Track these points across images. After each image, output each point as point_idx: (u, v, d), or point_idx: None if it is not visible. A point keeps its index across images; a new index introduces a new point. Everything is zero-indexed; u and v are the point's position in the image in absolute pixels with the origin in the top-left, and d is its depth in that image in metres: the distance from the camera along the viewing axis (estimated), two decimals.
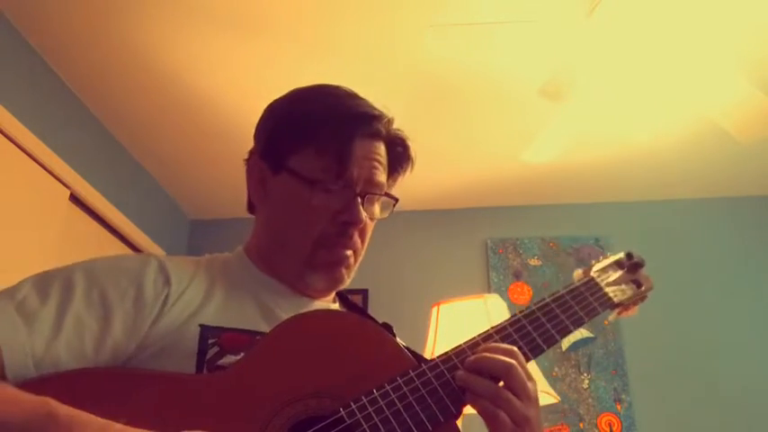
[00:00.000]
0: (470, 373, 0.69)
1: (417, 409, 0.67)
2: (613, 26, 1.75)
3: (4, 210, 2.03)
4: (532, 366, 1.82)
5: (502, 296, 2.57)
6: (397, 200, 0.88)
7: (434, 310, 2.08)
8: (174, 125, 2.67)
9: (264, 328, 0.74)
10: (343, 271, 0.83)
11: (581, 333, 2.94)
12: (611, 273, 0.96)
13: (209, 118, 2.60)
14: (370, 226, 0.86)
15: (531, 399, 0.68)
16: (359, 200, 0.80)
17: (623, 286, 0.95)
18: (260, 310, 0.79)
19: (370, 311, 0.90)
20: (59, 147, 2.28)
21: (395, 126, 0.88)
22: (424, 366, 0.71)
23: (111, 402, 0.58)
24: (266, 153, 0.87)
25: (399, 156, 0.89)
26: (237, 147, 3.16)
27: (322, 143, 0.80)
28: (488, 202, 3.26)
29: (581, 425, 2.78)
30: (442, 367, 0.71)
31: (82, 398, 0.55)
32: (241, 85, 2.41)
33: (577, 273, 0.96)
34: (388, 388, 0.68)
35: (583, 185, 3.12)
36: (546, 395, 1.88)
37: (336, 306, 0.89)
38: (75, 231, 2.45)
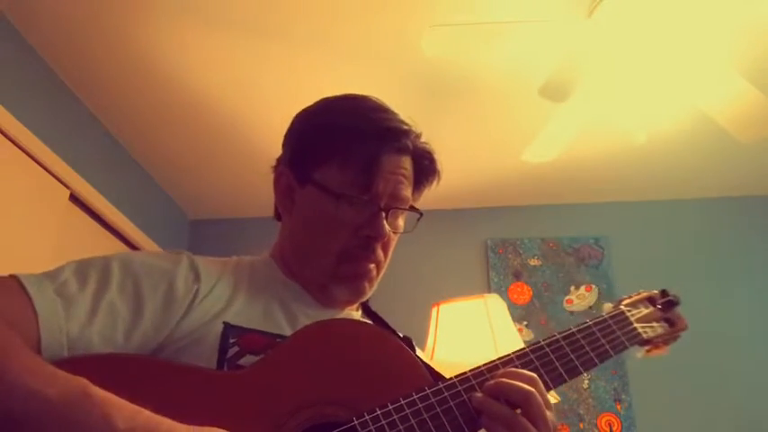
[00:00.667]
0: (488, 396, 0.69)
1: (431, 425, 0.67)
2: (613, 26, 1.75)
3: (4, 210, 2.03)
4: None
5: (502, 296, 2.58)
6: (421, 214, 0.88)
7: (434, 310, 2.08)
8: (174, 125, 2.67)
9: (287, 332, 0.76)
10: (366, 284, 0.84)
11: None
12: (641, 308, 0.93)
13: (210, 118, 2.60)
14: (394, 239, 0.87)
15: (548, 428, 0.67)
16: (383, 214, 0.81)
17: (654, 324, 0.92)
18: (284, 314, 0.80)
19: None
20: (59, 147, 2.28)
21: (422, 140, 0.88)
22: (441, 384, 0.70)
23: (135, 388, 0.59)
24: (293, 163, 0.87)
25: (426, 169, 0.89)
26: (237, 147, 3.19)
27: (349, 157, 0.81)
28: (488, 202, 3.26)
29: (581, 425, 2.78)
30: (459, 387, 0.71)
31: (111, 381, 0.57)
32: (241, 85, 2.41)
33: (607, 306, 0.93)
34: (402, 402, 0.67)
35: (582, 185, 3.12)
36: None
37: (358, 315, 0.90)
38: (75, 231, 2.45)
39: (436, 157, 0.89)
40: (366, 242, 0.82)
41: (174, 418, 0.57)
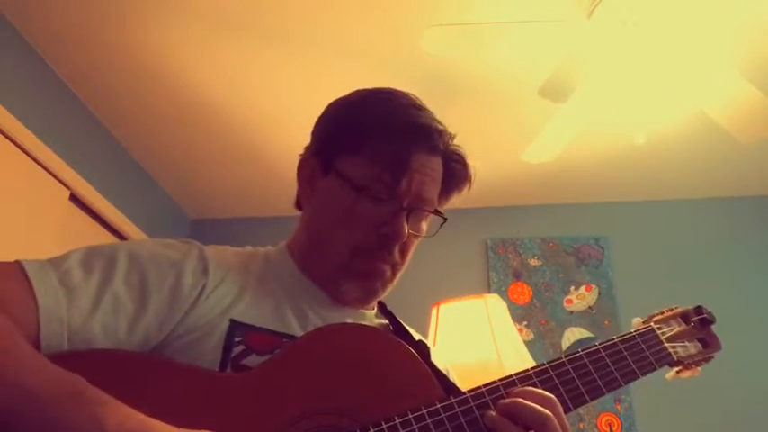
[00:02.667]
0: (502, 415, 0.65)
1: None
2: (613, 26, 1.75)
3: (4, 210, 2.03)
4: (527, 364, 1.82)
5: (502, 296, 2.58)
6: (446, 219, 0.85)
7: (434, 310, 2.08)
8: (175, 125, 2.67)
9: (296, 331, 0.73)
10: (378, 284, 0.80)
11: (581, 333, 2.94)
12: (674, 325, 0.88)
13: (210, 118, 2.60)
14: (414, 242, 0.83)
15: None
16: (404, 214, 0.78)
17: (686, 343, 0.86)
18: (294, 312, 0.77)
19: None
20: (59, 147, 2.28)
21: (454, 142, 0.85)
22: (453, 399, 0.67)
23: (134, 388, 0.58)
24: (319, 151, 0.84)
25: (456, 173, 0.86)
26: (238, 147, 3.18)
27: (377, 151, 0.78)
28: (488, 202, 3.26)
29: (581, 425, 2.78)
30: (472, 403, 0.67)
31: (111, 379, 0.56)
32: (241, 85, 2.41)
33: (636, 321, 0.88)
34: (410, 417, 0.64)
35: (582, 185, 3.12)
36: None
37: (373, 315, 0.86)
38: (75, 231, 2.45)
39: (468, 161, 0.86)
40: (384, 241, 0.78)
41: (172, 421, 0.55)
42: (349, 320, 0.79)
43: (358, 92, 0.87)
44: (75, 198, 2.43)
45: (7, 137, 2.04)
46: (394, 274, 0.82)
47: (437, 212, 0.84)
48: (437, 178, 0.83)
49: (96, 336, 0.63)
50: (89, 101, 2.51)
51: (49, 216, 2.27)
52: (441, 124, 0.83)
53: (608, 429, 2.76)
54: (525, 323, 2.99)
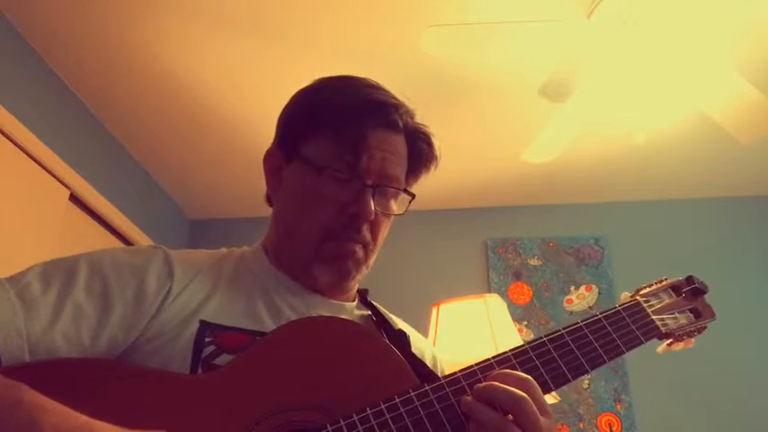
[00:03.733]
0: (478, 400, 0.63)
1: None
2: (613, 26, 1.75)
3: (4, 210, 2.03)
4: None
5: (502, 296, 2.58)
6: (413, 196, 0.83)
7: (434, 310, 2.08)
8: (175, 125, 2.67)
9: (270, 327, 0.72)
10: (351, 265, 0.78)
11: None
12: (663, 297, 0.85)
13: (210, 118, 2.60)
14: (386, 222, 0.82)
15: None
16: (370, 192, 0.77)
17: (677, 314, 0.83)
18: (267, 307, 0.76)
19: None
20: (59, 147, 2.28)
21: (417, 120, 0.84)
22: (427, 387, 0.65)
23: (84, 394, 0.57)
24: (282, 141, 0.84)
25: (422, 152, 0.85)
26: (238, 147, 3.18)
27: (335, 130, 0.78)
28: (488, 202, 3.26)
29: (581, 425, 2.78)
30: (448, 389, 0.65)
31: (56, 387, 0.55)
32: (241, 85, 2.41)
33: (624, 295, 0.85)
34: (383, 407, 0.62)
35: (583, 185, 3.12)
36: (546, 395, 1.88)
37: (354, 307, 0.84)
38: (75, 231, 2.45)
39: (434, 139, 0.85)
40: (351, 221, 0.76)
41: (125, 425, 0.53)
42: (325, 313, 0.77)
43: (317, 80, 0.88)
44: (75, 198, 2.43)
45: (7, 137, 2.04)
46: (367, 255, 0.80)
47: (406, 192, 0.83)
48: (400, 155, 0.81)
49: (59, 346, 0.63)
50: (89, 101, 2.51)
51: (49, 216, 2.27)
52: (398, 100, 0.82)
53: (608, 429, 2.76)
54: (525, 323, 2.99)
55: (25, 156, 2.14)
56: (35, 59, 2.23)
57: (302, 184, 0.79)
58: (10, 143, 2.06)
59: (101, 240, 2.63)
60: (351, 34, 2.16)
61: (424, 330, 2.10)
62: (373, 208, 0.77)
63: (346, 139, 0.77)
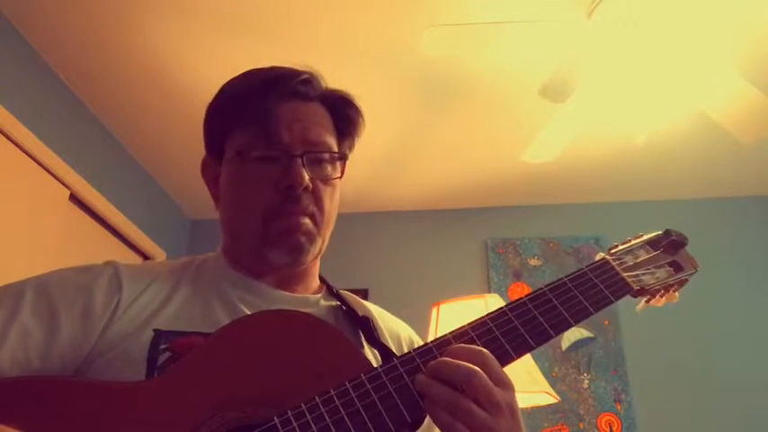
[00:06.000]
0: (430, 377, 0.61)
1: (365, 417, 0.59)
2: (613, 26, 1.75)
3: (4, 210, 2.03)
4: (527, 364, 1.82)
5: (502, 296, 2.58)
6: (344, 156, 0.82)
7: (434, 310, 2.08)
8: (174, 125, 2.67)
9: None
10: (301, 238, 0.77)
11: (581, 333, 2.94)
12: (640, 254, 0.81)
13: None
14: (328, 190, 0.80)
15: (499, 409, 0.59)
16: (298, 161, 0.76)
17: (653, 269, 0.79)
18: (224, 308, 0.75)
19: None
20: (59, 147, 2.28)
21: (327, 85, 0.84)
22: (380, 369, 0.63)
23: (21, 412, 0.56)
24: (209, 147, 0.86)
25: (343, 113, 0.84)
26: None
27: (246, 117, 0.79)
28: (488, 202, 3.26)
29: (581, 425, 2.78)
30: (401, 369, 0.63)
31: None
32: None
33: (599, 255, 0.81)
34: (332, 393, 0.60)
35: (583, 185, 3.12)
36: (546, 395, 1.88)
37: (319, 299, 0.83)
38: (75, 231, 2.45)
39: (351, 98, 0.85)
40: (288, 194, 0.76)
41: None
42: (287, 308, 0.75)
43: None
44: (75, 198, 2.43)
45: (7, 137, 2.04)
46: (317, 226, 0.79)
47: (341, 156, 0.82)
48: (320, 122, 0.81)
49: (5, 368, 0.63)
50: (89, 101, 2.51)
51: (49, 216, 2.27)
52: (296, 70, 0.81)
53: (608, 429, 2.77)
54: None
55: (25, 156, 2.14)
56: (35, 59, 2.23)
57: (233, 177, 0.81)
58: (10, 143, 2.06)
59: (101, 240, 2.63)
60: (350, 35, 2.16)
61: (424, 330, 2.10)
62: (306, 175, 0.76)
63: (258, 120, 0.77)
